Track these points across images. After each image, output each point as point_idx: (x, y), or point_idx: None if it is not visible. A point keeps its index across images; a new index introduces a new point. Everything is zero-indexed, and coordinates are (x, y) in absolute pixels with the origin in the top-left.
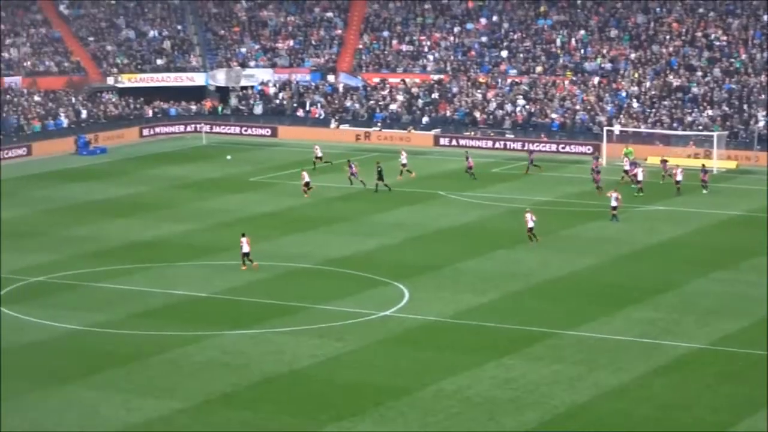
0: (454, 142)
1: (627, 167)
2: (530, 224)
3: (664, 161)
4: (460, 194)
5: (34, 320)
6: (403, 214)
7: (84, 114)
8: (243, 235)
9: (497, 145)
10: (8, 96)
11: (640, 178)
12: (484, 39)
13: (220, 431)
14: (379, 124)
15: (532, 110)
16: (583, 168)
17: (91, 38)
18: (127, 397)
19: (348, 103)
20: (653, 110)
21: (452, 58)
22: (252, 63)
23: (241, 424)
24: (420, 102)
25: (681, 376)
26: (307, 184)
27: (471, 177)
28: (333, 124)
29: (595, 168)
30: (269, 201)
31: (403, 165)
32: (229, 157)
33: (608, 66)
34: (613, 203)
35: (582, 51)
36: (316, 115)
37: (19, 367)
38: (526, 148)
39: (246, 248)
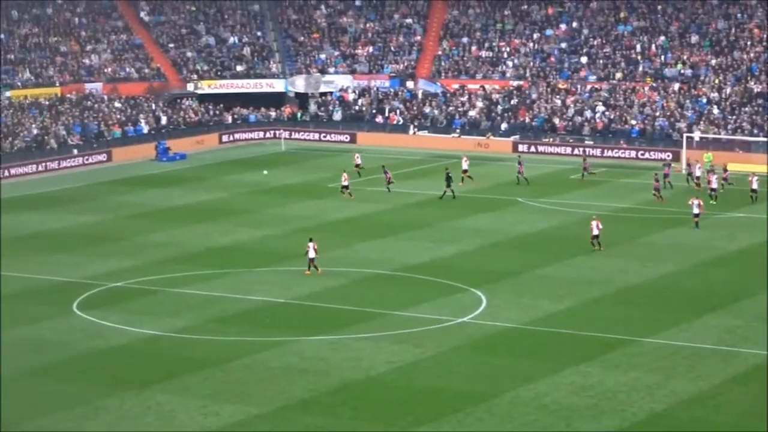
0: (533, 149)
1: (698, 173)
2: (595, 232)
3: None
4: (538, 201)
5: (113, 325)
6: (481, 221)
7: (164, 120)
8: (310, 240)
9: (576, 151)
10: (89, 102)
11: (714, 186)
12: (563, 45)
13: None
14: (457, 130)
15: (612, 116)
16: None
17: (171, 45)
18: (204, 403)
19: (427, 110)
20: (734, 117)
21: (531, 64)
22: (331, 69)
23: (319, 430)
24: (499, 108)
25: (760, 384)
26: (345, 187)
27: (524, 182)
28: (411, 131)
29: (656, 177)
30: (347, 207)
31: (464, 171)
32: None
33: (689, 72)
34: (695, 210)
35: (662, 57)
36: (395, 122)
37: (97, 371)
38: (604, 154)
39: (312, 253)
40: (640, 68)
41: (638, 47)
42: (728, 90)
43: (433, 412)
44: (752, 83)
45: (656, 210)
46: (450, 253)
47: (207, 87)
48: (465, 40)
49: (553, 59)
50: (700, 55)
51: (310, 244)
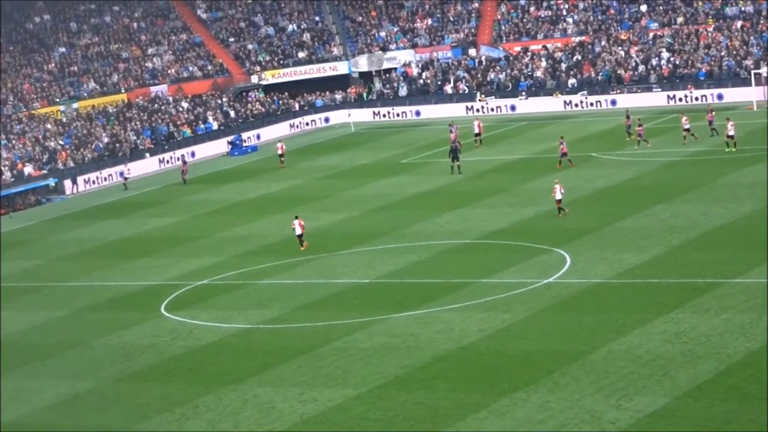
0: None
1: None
2: (558, 196)
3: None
4: (613, 153)
5: (203, 323)
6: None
7: (232, 114)
8: (296, 218)
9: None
10: (156, 105)
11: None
12: None
13: (396, 414)
14: (524, 93)
15: (677, 62)
16: (735, 114)
17: (231, 39)
18: (301, 390)
19: (491, 75)
20: None
21: (591, 18)
22: (392, 46)
23: (417, 405)
24: (563, 66)
25: None
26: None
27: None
28: (478, 98)
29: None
30: (423, 181)
31: (477, 135)
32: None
33: (750, 8)
34: (731, 132)
35: None
36: (461, 91)
37: (192, 370)
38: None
39: (299, 230)
40: (701, 10)
41: None
42: None
43: (529, 376)
44: None
45: (731, 151)
46: (529, 215)
47: (271, 77)
48: (522, 1)
49: (612, 11)
50: None
51: (296, 222)
